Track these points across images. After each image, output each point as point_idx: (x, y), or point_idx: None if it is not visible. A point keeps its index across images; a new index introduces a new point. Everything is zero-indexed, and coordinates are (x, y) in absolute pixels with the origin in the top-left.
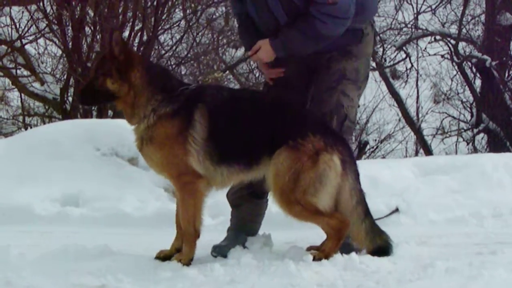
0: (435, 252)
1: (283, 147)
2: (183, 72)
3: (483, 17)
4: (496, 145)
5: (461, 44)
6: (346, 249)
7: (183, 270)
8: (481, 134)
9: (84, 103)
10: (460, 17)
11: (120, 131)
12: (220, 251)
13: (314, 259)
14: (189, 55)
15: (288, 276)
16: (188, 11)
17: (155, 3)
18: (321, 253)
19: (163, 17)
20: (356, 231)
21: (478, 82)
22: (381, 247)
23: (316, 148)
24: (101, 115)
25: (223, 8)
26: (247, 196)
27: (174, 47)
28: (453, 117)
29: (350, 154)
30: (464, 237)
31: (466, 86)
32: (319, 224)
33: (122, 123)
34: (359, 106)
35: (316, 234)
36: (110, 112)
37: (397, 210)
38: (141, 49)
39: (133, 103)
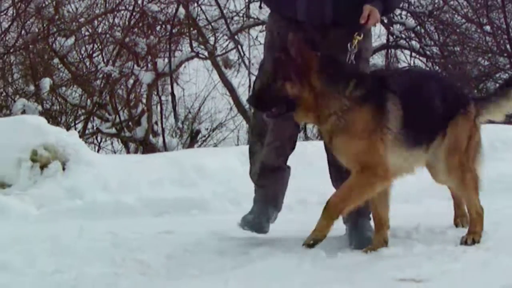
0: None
1: (457, 116)
2: (12, 61)
3: None
4: None
5: None
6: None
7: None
8: None
9: (260, 109)
10: None
11: None
12: (247, 223)
13: (466, 243)
14: (17, 43)
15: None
16: None
17: None
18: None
19: None
20: None
21: None
22: None
23: (475, 114)
24: None
25: None
26: (270, 174)
27: (2, 36)
28: None
29: None
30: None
31: None
32: (467, 202)
33: None
34: None
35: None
36: None
37: None
38: None
39: (315, 106)
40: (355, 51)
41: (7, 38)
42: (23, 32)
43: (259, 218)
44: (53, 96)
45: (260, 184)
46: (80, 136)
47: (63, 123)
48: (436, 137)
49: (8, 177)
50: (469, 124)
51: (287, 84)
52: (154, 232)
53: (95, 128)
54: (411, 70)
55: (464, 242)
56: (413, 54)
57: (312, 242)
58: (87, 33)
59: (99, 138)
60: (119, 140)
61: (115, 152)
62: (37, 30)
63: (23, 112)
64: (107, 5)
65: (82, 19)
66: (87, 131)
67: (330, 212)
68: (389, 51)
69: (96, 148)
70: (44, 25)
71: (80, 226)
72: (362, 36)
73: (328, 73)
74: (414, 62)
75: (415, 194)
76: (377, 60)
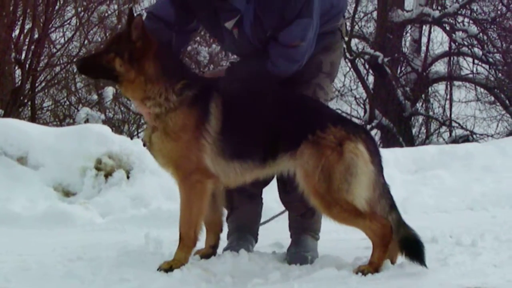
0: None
1: (303, 143)
2: (75, 71)
3: (375, 14)
4: (389, 141)
5: (354, 41)
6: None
7: (74, 269)
8: (375, 130)
9: (82, 71)
10: (353, 14)
11: (8, 130)
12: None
13: (363, 273)
14: (81, 53)
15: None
16: (79, 9)
17: (45, 0)
18: (369, 266)
19: (54, 15)
20: None
21: (371, 79)
22: (407, 238)
23: (338, 138)
24: None
25: (115, 6)
26: (246, 199)
27: (66, 45)
28: (346, 113)
29: (374, 144)
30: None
31: (359, 83)
32: (361, 229)
33: (10, 122)
34: (331, 99)
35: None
36: (0, 111)
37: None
38: (32, 47)
39: (142, 89)
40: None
41: (70, 48)
42: (86, 41)
43: (239, 245)
44: (115, 105)
45: (235, 205)
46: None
47: (125, 131)
48: (278, 155)
49: (73, 185)
50: (321, 151)
51: (117, 59)
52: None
53: None
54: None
55: (360, 271)
56: (476, 61)
57: (169, 268)
58: None
59: None
60: None
61: None
62: (100, 39)
63: (86, 121)
64: None
65: None
66: None
67: (185, 242)
68: (452, 58)
69: None
70: (107, 34)
71: (146, 234)
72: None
73: (163, 65)
74: (476, 69)
75: (480, 201)
76: (440, 67)
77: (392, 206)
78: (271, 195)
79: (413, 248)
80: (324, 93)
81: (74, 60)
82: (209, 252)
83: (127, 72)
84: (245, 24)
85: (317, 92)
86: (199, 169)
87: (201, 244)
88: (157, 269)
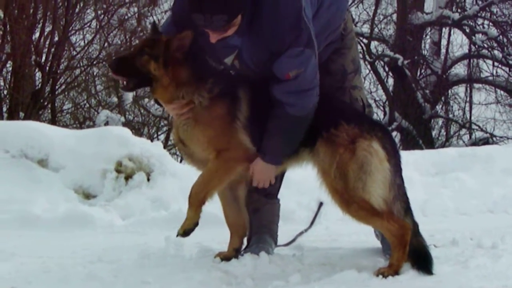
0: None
1: (319, 140)
2: (95, 73)
3: (395, 16)
4: (408, 143)
5: (373, 43)
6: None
7: (95, 271)
8: (394, 133)
9: (116, 72)
10: (372, 16)
11: (28, 133)
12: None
13: (383, 276)
14: (101, 55)
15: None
16: (99, 11)
17: (66, 3)
18: (389, 268)
19: (74, 18)
20: None
21: (390, 81)
22: (416, 250)
23: (351, 136)
24: (12, 117)
25: (135, 9)
26: (264, 199)
27: (86, 48)
28: None
29: (391, 143)
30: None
31: (379, 85)
32: (379, 229)
33: (30, 125)
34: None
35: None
36: (21, 114)
37: (321, 204)
38: (52, 50)
39: (173, 91)
40: None
41: (90, 50)
42: (106, 44)
43: (259, 248)
44: (135, 108)
45: (254, 207)
46: (163, 147)
47: (145, 134)
48: (299, 149)
49: (93, 188)
50: (335, 149)
51: (152, 62)
52: None
53: None
54: None
55: (381, 273)
56: (496, 63)
57: (183, 231)
58: None
59: None
60: None
61: None
62: (119, 42)
63: (106, 123)
64: None
65: None
66: (169, 142)
67: (193, 200)
68: (471, 60)
69: (179, 159)
70: (127, 37)
71: (166, 236)
72: None
73: (193, 68)
74: (496, 72)
75: (501, 204)
76: (459, 70)
77: (408, 211)
78: (290, 197)
79: (422, 263)
80: (359, 89)
81: (105, 61)
82: (232, 255)
83: (162, 77)
84: (245, 56)
85: (353, 92)
86: (234, 149)
87: (223, 247)
88: (176, 236)
